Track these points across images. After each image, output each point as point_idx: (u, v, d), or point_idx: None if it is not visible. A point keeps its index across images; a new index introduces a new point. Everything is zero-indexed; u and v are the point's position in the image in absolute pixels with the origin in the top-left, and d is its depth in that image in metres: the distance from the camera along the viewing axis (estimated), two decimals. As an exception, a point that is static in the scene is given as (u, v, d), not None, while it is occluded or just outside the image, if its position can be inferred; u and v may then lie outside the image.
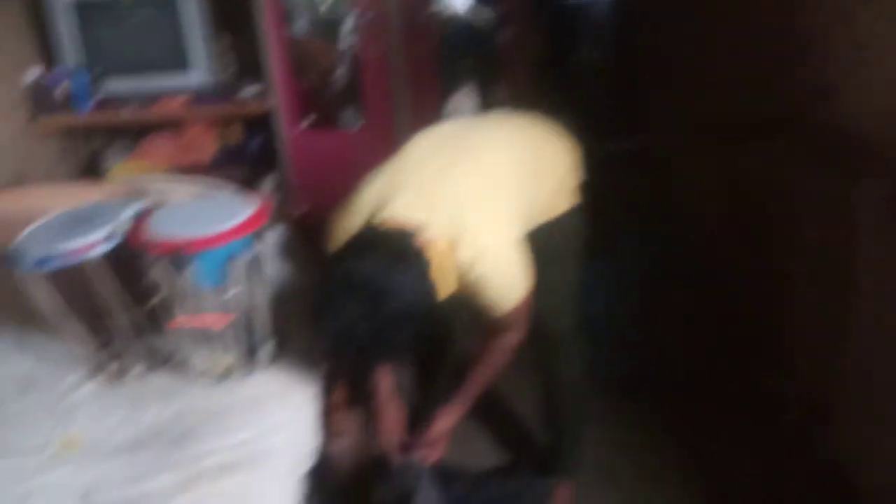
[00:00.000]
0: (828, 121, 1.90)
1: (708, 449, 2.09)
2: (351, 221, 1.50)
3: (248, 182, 3.00)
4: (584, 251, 1.80)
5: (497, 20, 3.73)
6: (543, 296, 1.63)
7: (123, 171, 3.17)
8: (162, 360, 1.69)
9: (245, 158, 3.28)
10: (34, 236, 1.56)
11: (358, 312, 1.31)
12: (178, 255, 1.43)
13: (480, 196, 1.48)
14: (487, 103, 3.72)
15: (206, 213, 1.55)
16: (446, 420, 1.69)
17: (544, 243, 1.64)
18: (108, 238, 1.50)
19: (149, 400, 1.57)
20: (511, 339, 1.60)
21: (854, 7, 1.79)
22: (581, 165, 1.79)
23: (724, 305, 2.58)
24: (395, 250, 1.37)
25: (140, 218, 1.55)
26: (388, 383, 1.78)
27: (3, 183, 2.85)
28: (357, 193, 1.54)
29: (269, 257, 1.60)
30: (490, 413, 2.24)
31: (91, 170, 3.29)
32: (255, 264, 1.58)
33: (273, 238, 1.63)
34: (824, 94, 1.92)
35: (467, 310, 1.57)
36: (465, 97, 3.92)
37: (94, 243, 1.49)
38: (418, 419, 2.04)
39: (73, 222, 1.58)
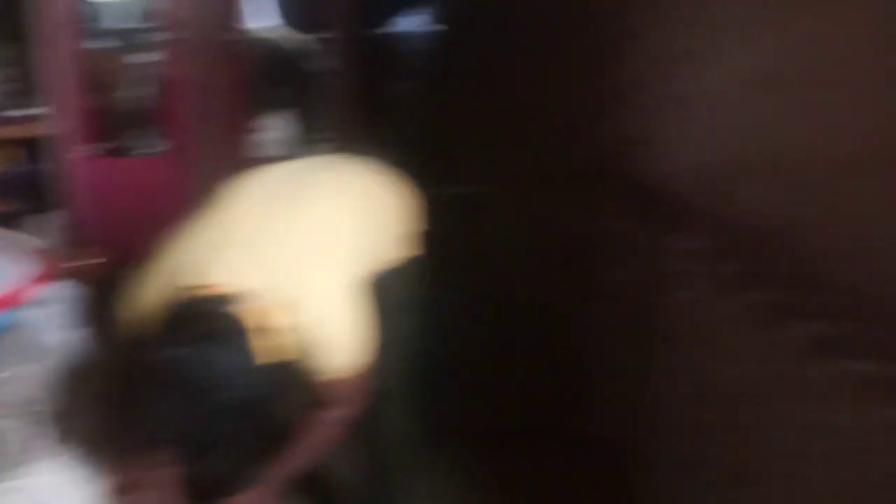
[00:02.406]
0: (641, 173, 1.98)
1: (531, 491, 2.08)
2: (155, 290, 1.28)
3: (25, 219, 2.59)
4: (421, 304, 1.71)
5: (319, 48, 3.60)
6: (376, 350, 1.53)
7: None
8: None
9: (18, 189, 2.83)
10: None
11: (168, 412, 1.13)
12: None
13: (314, 251, 1.36)
14: (306, 134, 3.56)
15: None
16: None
17: (382, 291, 1.53)
18: None
19: None
20: (338, 415, 1.45)
21: (663, 66, 1.88)
22: (419, 212, 1.71)
23: (544, 353, 2.62)
24: (213, 326, 1.19)
25: None
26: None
27: None
28: (162, 253, 1.32)
29: (52, 327, 1.32)
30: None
31: None
32: (30, 338, 1.30)
33: (57, 302, 1.35)
34: (637, 146, 2.00)
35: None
36: (281, 126, 3.73)
37: None
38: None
39: None
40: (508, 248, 3.04)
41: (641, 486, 1.98)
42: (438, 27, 3.81)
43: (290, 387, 1.42)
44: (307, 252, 1.35)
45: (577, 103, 2.33)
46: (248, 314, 1.25)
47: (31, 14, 2.60)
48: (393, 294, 1.61)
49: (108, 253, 1.86)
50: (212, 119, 2.90)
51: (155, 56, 3.14)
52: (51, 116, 2.67)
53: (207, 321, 1.19)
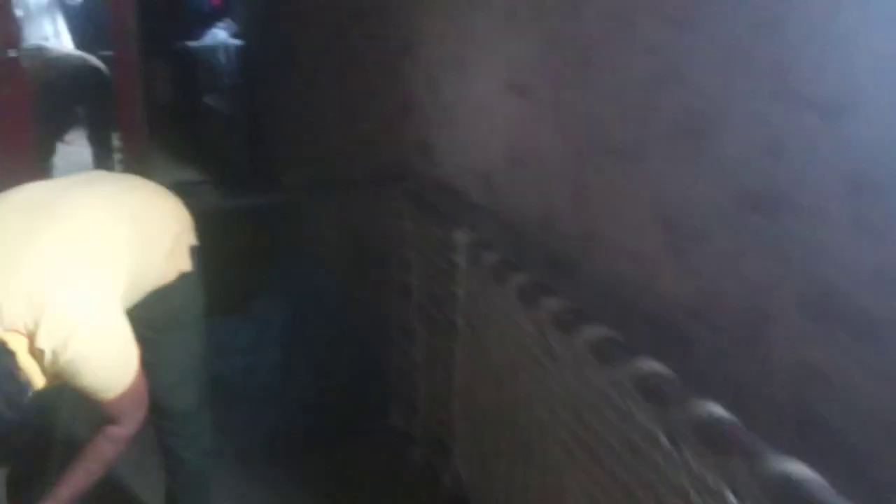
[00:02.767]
0: (426, 174, 2.10)
1: (347, 492, 2.15)
2: None
3: None
4: (203, 317, 1.70)
5: (110, 65, 3.46)
6: (161, 370, 1.51)
7: None
8: None
9: None
10: None
11: None
12: None
13: (67, 269, 1.30)
14: (102, 153, 3.41)
15: None
16: None
17: (159, 312, 1.51)
18: None
19: None
20: (119, 432, 1.42)
21: (438, 78, 2.02)
22: (194, 226, 1.69)
23: (357, 350, 2.69)
24: None
25: None
26: None
27: None
28: None
29: None
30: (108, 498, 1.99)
31: None
32: None
33: None
34: (423, 152, 2.13)
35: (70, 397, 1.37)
36: (75, 146, 3.56)
37: None
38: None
39: None
40: (315, 251, 3.11)
41: (446, 474, 2.08)
42: (238, 42, 3.83)
43: (59, 409, 1.38)
44: (60, 269, 1.30)
45: (366, 114, 2.43)
46: (7, 337, 1.20)
47: None
48: (175, 309, 1.59)
49: None
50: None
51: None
52: None
53: None
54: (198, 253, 1.65)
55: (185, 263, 1.60)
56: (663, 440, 1.23)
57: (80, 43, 3.90)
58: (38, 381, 1.25)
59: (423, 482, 2.14)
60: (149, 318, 1.44)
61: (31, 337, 1.23)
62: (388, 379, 2.41)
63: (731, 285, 1.26)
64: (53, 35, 3.78)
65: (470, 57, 1.90)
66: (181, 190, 1.72)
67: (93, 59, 3.53)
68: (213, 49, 3.86)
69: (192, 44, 3.87)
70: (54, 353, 1.24)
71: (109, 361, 1.33)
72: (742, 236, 1.22)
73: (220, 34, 3.93)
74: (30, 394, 1.23)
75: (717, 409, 1.14)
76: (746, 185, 1.20)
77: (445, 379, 2.02)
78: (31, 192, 1.46)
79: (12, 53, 2.67)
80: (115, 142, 3.39)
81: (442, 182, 2.04)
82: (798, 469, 0.98)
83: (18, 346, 1.22)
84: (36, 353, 1.24)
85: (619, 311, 1.44)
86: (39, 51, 3.19)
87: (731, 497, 1.03)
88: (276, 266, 3.09)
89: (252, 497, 2.12)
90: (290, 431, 2.36)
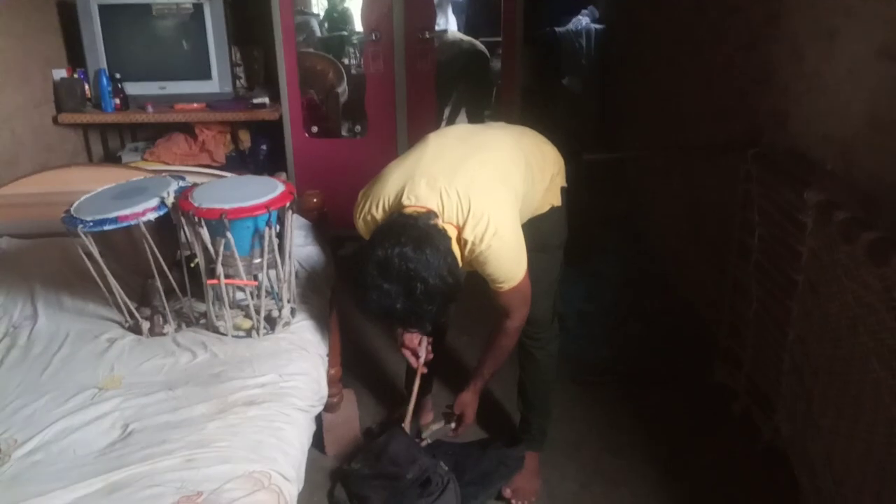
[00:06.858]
0: (779, 142, 2.19)
1: (664, 432, 2.33)
2: (376, 206, 1.68)
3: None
4: (564, 245, 2.01)
5: (491, 50, 4.06)
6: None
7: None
8: (192, 321, 1.91)
9: (254, 162, 3.53)
10: (88, 204, 1.78)
11: (397, 293, 1.50)
12: (218, 222, 1.66)
13: (488, 184, 1.67)
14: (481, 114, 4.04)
15: (242, 190, 1.78)
16: (471, 393, 1.96)
17: (533, 234, 1.82)
18: (159, 206, 1.73)
19: (182, 350, 1.78)
20: (511, 324, 1.80)
21: (803, 47, 2.09)
22: (565, 172, 2.02)
23: (682, 305, 2.84)
24: (422, 233, 1.53)
25: (184, 192, 1.79)
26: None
27: (26, 172, 3.07)
28: (380, 181, 1.71)
29: (293, 234, 1.82)
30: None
31: (108, 165, 3.51)
32: (280, 238, 1.81)
33: (296, 219, 1.86)
34: (779, 120, 2.21)
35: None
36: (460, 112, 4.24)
37: (148, 209, 1.72)
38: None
39: (123, 194, 1.80)
40: (658, 210, 3.29)
41: (766, 428, 2.17)
42: (599, 26, 4.15)
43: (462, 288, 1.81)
44: (480, 186, 1.67)
45: (721, 85, 2.57)
46: (444, 227, 1.60)
47: (267, 23, 3.27)
48: (545, 234, 1.93)
49: (321, 197, 2.38)
50: (405, 110, 3.42)
51: (360, 58, 3.75)
52: (279, 104, 3.35)
53: (417, 228, 1.54)
54: (565, 193, 1.98)
55: (556, 199, 1.92)
56: None
57: (463, 28, 4.60)
58: (459, 263, 1.63)
59: (739, 434, 2.25)
60: (529, 235, 1.75)
61: (460, 230, 1.63)
62: (713, 335, 2.55)
63: None
64: (444, 23, 4.53)
65: (840, 24, 1.94)
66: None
67: (478, 44, 4.17)
68: (576, 34, 4.25)
69: (559, 29, 4.28)
70: (473, 244, 1.61)
71: (510, 256, 1.66)
72: None
73: (583, 20, 4.30)
74: (460, 269, 1.59)
75: None
76: None
77: (777, 336, 2.10)
78: (457, 131, 1.91)
79: (427, 35, 3.33)
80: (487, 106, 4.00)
81: (794, 149, 2.11)
82: None
83: (452, 234, 1.61)
84: (460, 242, 1.63)
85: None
86: (440, 34, 3.89)
87: None
88: (613, 226, 3.38)
89: (578, 411, 2.43)
90: (617, 368, 2.64)
